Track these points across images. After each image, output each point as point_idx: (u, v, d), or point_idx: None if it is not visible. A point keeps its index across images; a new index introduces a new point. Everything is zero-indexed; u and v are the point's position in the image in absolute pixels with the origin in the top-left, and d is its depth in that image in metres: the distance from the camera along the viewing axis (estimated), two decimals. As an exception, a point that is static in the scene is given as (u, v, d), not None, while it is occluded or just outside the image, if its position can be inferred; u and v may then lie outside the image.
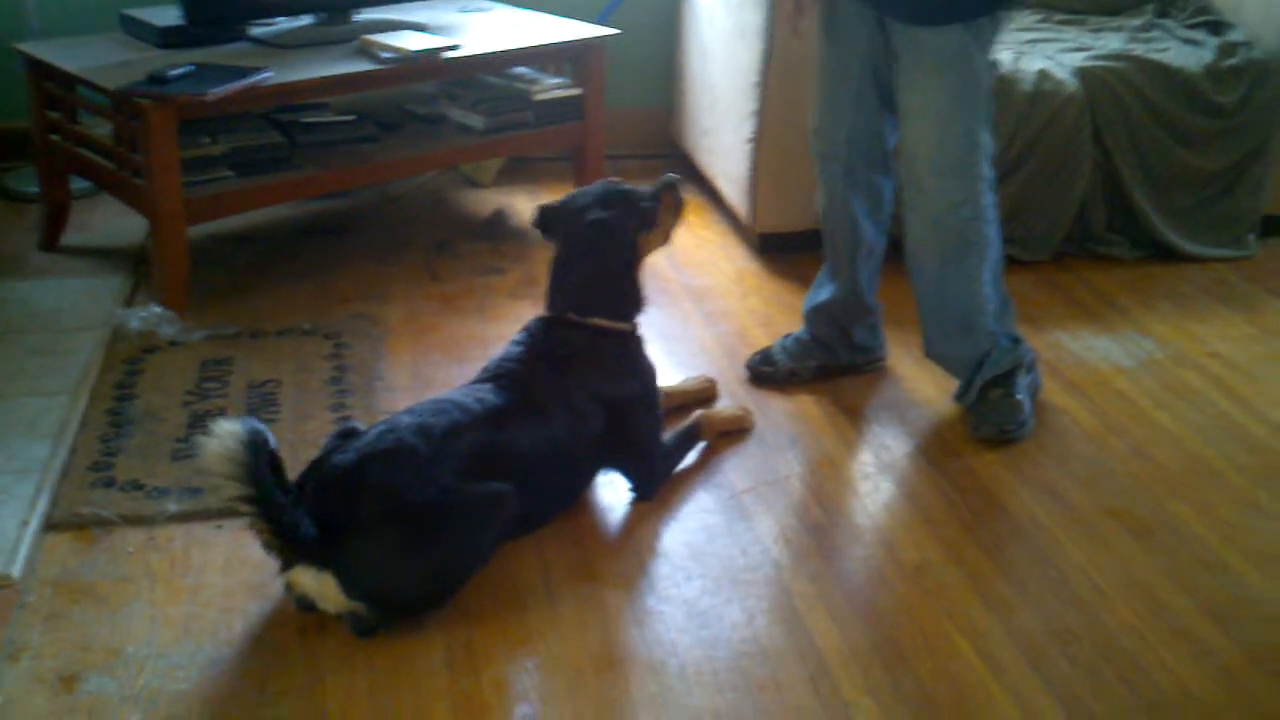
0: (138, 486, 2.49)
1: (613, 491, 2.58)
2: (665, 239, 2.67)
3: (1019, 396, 2.83)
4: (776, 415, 2.89)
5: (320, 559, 2.08)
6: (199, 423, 2.70)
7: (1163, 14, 4.15)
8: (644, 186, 2.64)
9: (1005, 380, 2.83)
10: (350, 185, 3.77)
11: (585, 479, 2.55)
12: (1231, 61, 3.73)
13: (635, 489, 2.56)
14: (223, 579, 2.26)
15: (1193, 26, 4.02)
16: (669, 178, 2.67)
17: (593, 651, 2.14)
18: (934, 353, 2.95)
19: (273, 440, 2.09)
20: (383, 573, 2.12)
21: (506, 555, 2.36)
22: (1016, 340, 2.87)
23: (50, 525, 2.38)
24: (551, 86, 3.74)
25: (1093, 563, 2.41)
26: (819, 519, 2.52)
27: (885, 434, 2.84)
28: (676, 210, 2.66)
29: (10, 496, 2.42)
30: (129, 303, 3.26)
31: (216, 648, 2.10)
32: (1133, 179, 3.72)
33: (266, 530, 2.07)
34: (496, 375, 2.45)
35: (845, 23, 2.74)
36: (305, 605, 2.15)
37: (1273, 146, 3.81)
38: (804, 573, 2.35)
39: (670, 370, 3.06)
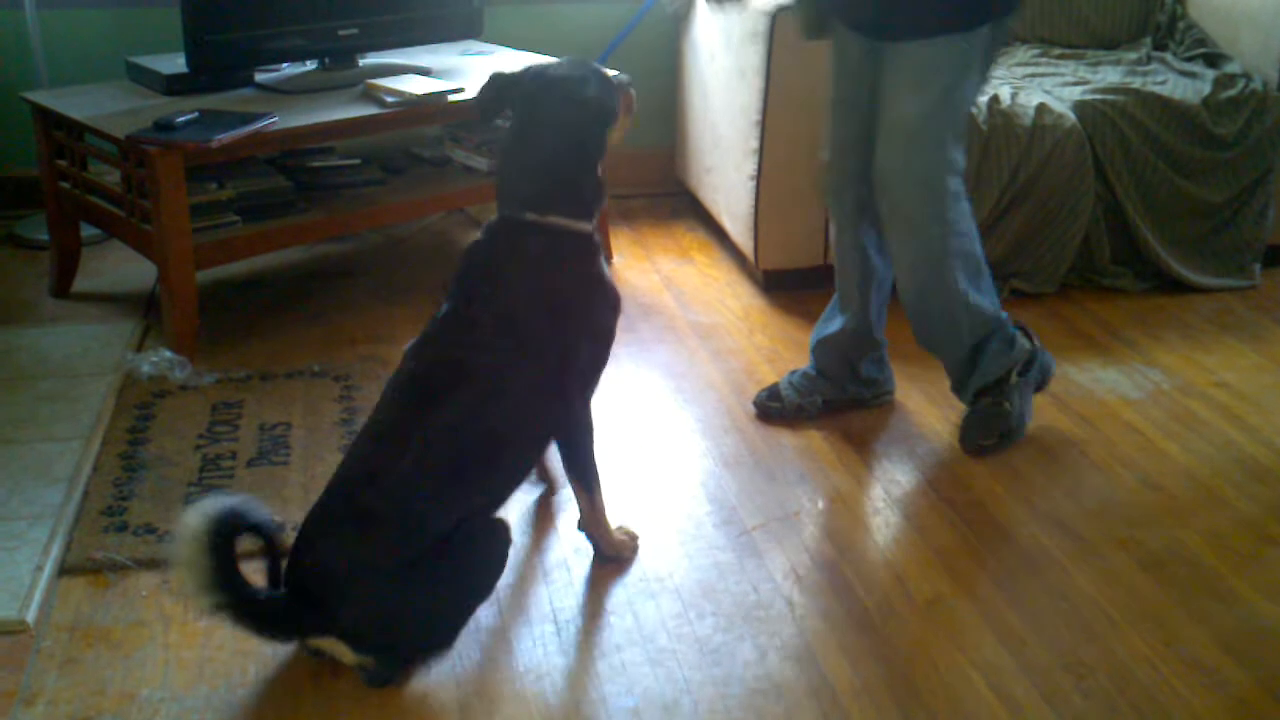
0: (151, 530, 2.50)
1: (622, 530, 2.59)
2: (618, 139, 2.38)
3: (1008, 404, 2.87)
4: (785, 451, 2.90)
5: (319, 629, 2.07)
6: (211, 466, 2.72)
7: (1160, 47, 4.18)
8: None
9: (996, 387, 2.88)
10: (356, 228, 3.80)
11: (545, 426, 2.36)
12: (1229, 93, 3.76)
13: (558, 425, 2.37)
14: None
15: (1190, 59, 4.05)
16: (623, 76, 2.46)
17: (605, 691, 2.14)
18: (923, 345, 2.97)
19: (255, 516, 2.03)
20: (384, 626, 2.09)
21: (516, 595, 2.37)
22: (1011, 342, 2.89)
23: (64, 570, 2.39)
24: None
25: (1104, 594, 2.41)
26: (829, 555, 2.52)
27: (894, 468, 2.85)
28: (629, 110, 2.42)
29: (24, 542, 2.43)
30: (140, 348, 3.28)
31: (230, 691, 2.10)
32: (1135, 211, 3.74)
33: (253, 632, 2.07)
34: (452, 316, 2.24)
35: (853, 56, 2.77)
36: (315, 651, 2.16)
37: (1274, 177, 3.83)
38: (816, 609, 2.36)
39: (679, 407, 3.08)
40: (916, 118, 2.66)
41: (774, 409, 3.04)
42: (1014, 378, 2.89)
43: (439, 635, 2.18)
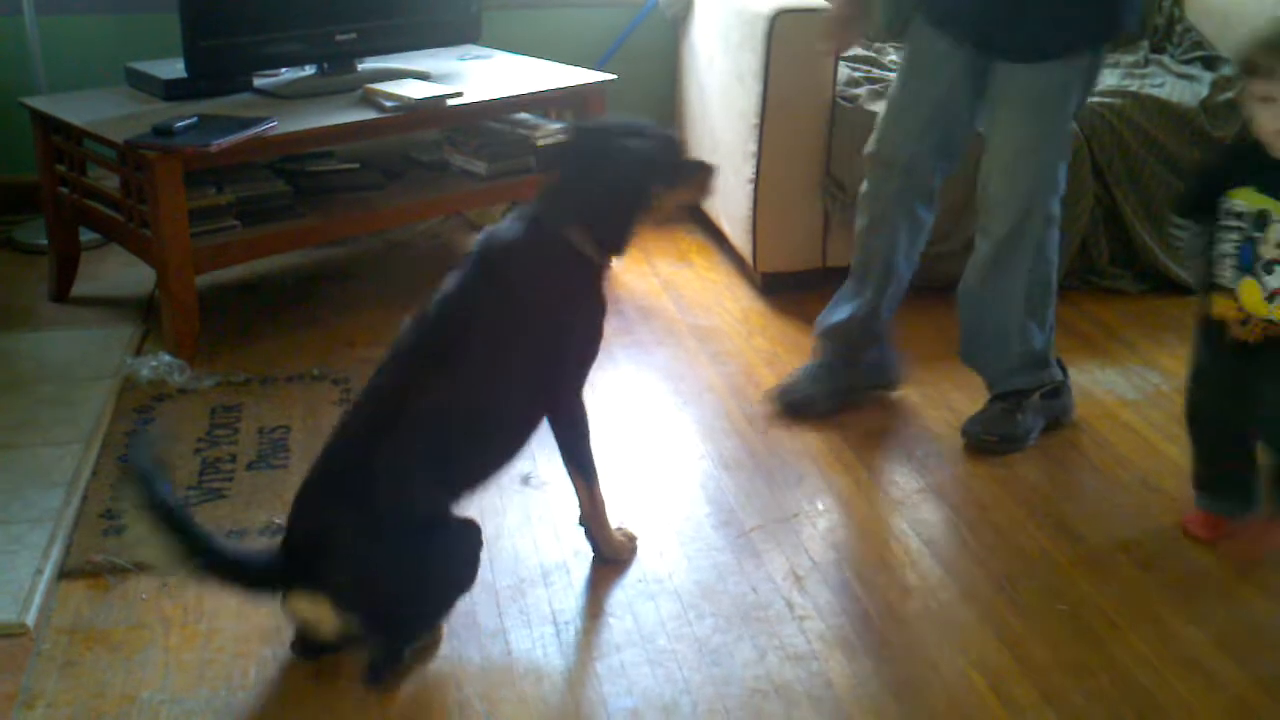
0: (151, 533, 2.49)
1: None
2: (669, 207, 2.45)
3: (1020, 415, 2.90)
4: (784, 453, 2.90)
5: (305, 583, 2.07)
6: (211, 469, 2.72)
7: (1157, 50, 4.19)
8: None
9: (1016, 396, 2.91)
10: (355, 232, 3.80)
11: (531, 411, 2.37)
12: (1227, 96, 3.76)
13: (552, 419, 2.39)
14: (236, 624, 2.26)
15: (1187, 61, 4.06)
16: (709, 164, 2.53)
17: (605, 692, 2.14)
18: (965, 359, 3.03)
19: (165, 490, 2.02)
20: (368, 589, 2.09)
21: (516, 597, 2.37)
22: (1045, 363, 2.93)
23: (64, 573, 2.39)
24: (553, 131, 3.77)
25: (1103, 595, 2.41)
26: (829, 556, 2.53)
27: (894, 470, 2.85)
28: (701, 189, 2.52)
29: (24, 546, 2.43)
30: (139, 352, 3.28)
31: (231, 693, 2.10)
32: (1134, 213, 3.75)
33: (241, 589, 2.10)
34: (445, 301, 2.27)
35: (933, 60, 2.81)
36: (309, 649, 2.16)
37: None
38: (815, 610, 2.36)
39: (678, 409, 3.08)
40: (1028, 139, 2.74)
41: (797, 402, 3.05)
42: (1036, 396, 2.93)
43: (419, 612, 2.18)
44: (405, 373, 2.20)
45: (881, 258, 2.97)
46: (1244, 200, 2.34)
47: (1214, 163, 2.71)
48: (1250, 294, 2.34)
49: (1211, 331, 2.46)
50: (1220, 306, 2.41)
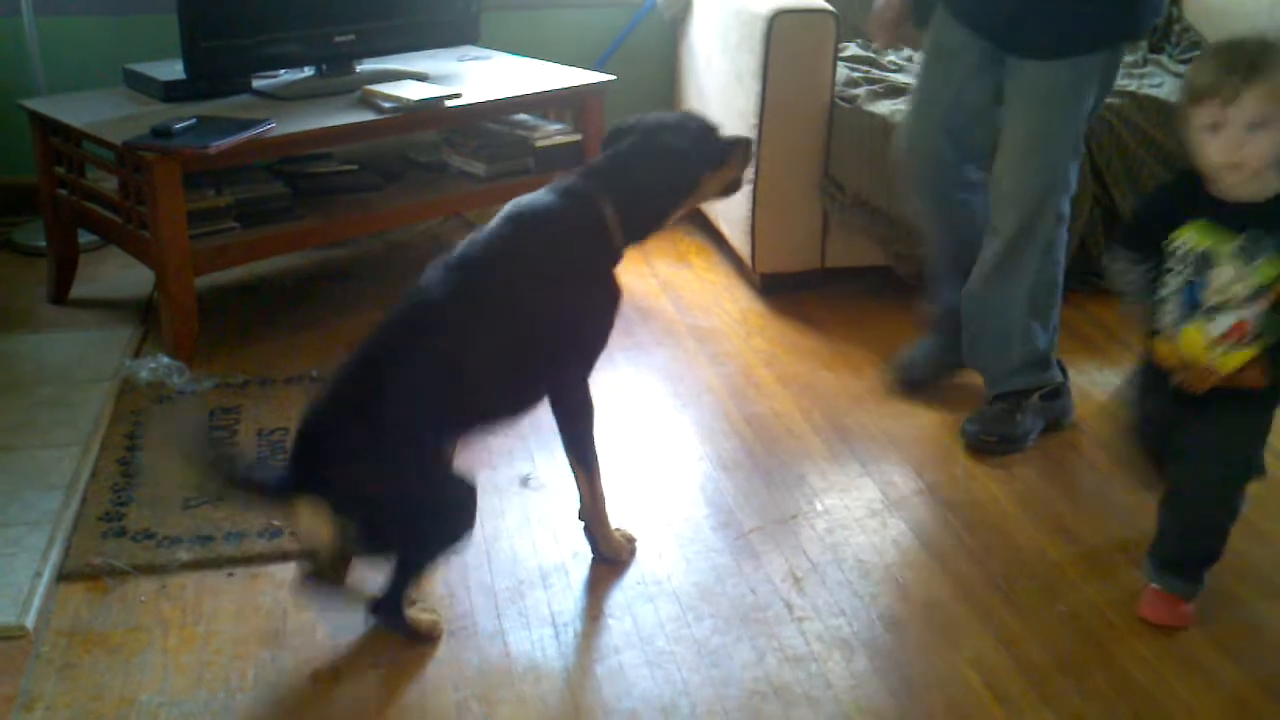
0: (149, 536, 2.50)
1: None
2: (722, 188, 2.54)
3: (1020, 415, 2.91)
4: (783, 454, 2.90)
5: (308, 489, 2.12)
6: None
7: (1156, 49, 4.19)
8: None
9: (1016, 397, 2.92)
10: (354, 233, 3.80)
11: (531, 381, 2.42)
12: (1226, 96, 3.76)
13: (556, 402, 2.43)
14: (234, 626, 2.27)
15: (1186, 61, 4.05)
16: (745, 137, 2.63)
17: (604, 694, 2.14)
18: (967, 359, 3.05)
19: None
20: (368, 502, 2.14)
21: (515, 599, 2.37)
22: (1046, 364, 2.94)
23: (63, 576, 2.39)
24: (552, 133, 3.77)
25: (1101, 596, 2.41)
26: (827, 557, 2.53)
27: (892, 471, 2.85)
28: (744, 163, 2.58)
29: (23, 548, 2.43)
30: (138, 354, 3.28)
31: (229, 695, 2.10)
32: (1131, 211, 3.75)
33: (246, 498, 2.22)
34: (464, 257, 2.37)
35: (951, 50, 2.85)
36: (317, 574, 2.22)
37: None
38: (814, 611, 2.36)
39: (677, 410, 3.08)
40: (1034, 135, 2.76)
41: (915, 380, 3.14)
42: (1035, 397, 2.93)
43: (412, 539, 2.21)
44: (423, 309, 2.30)
45: (950, 244, 3.03)
46: (1188, 239, 2.17)
47: (1158, 196, 2.42)
48: (1192, 341, 2.17)
49: (1155, 376, 2.28)
50: (1162, 351, 2.24)
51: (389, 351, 2.23)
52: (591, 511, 2.49)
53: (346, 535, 2.12)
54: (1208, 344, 2.15)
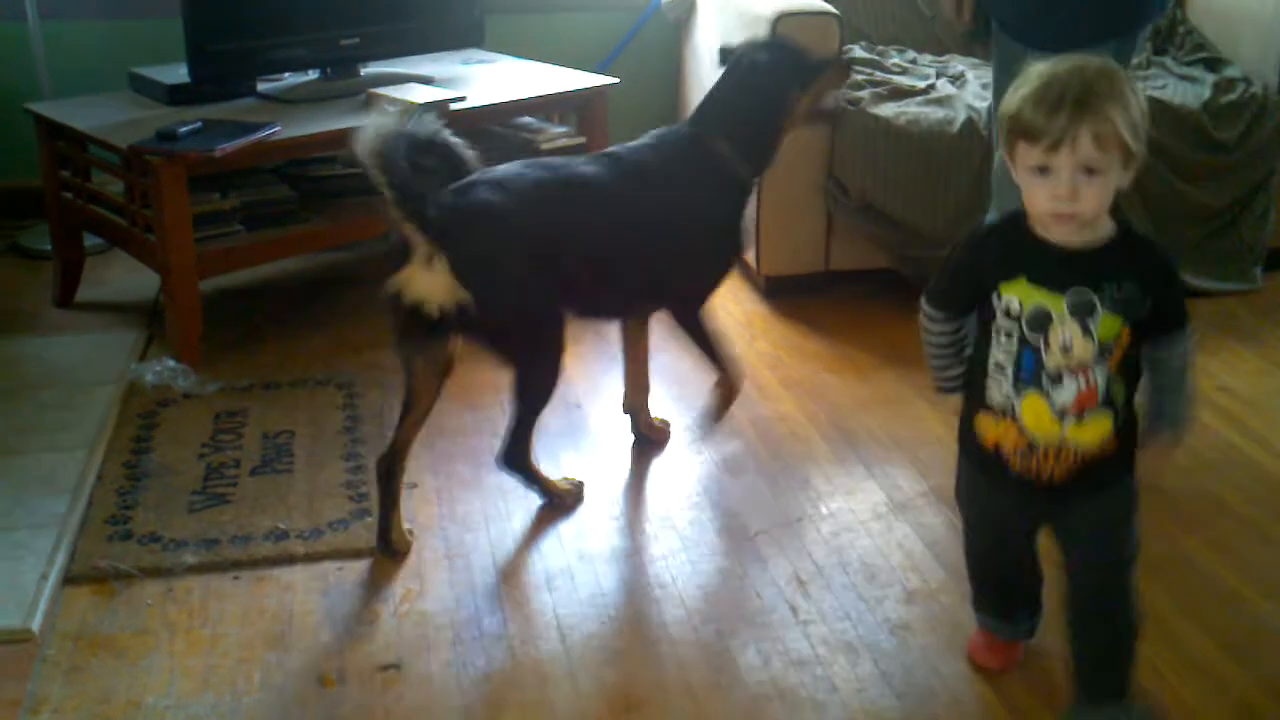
0: (155, 539, 2.50)
1: (625, 537, 2.59)
2: (818, 110, 2.76)
3: None
4: (787, 457, 2.90)
5: (439, 234, 2.26)
6: (215, 474, 2.73)
7: (1159, 51, 4.19)
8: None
9: None
10: (359, 236, 3.79)
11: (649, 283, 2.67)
12: (1230, 98, 3.77)
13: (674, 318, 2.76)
14: (241, 629, 2.27)
15: (1190, 63, 4.06)
16: (839, 58, 2.78)
17: (610, 697, 2.14)
18: None
19: (429, 128, 2.39)
20: (492, 258, 2.31)
21: (520, 602, 2.37)
22: None
23: (69, 579, 2.40)
24: (556, 135, 3.77)
25: (1107, 598, 2.41)
26: (832, 560, 2.53)
27: (897, 473, 2.85)
28: (840, 79, 2.75)
29: (29, 551, 2.43)
30: (143, 357, 3.28)
31: (235, 698, 2.11)
32: (1136, 215, 3.74)
33: (397, 210, 2.26)
34: (613, 154, 2.62)
35: (1012, 59, 2.84)
36: (406, 336, 2.37)
37: (1275, 180, 3.83)
38: (819, 614, 2.36)
39: (682, 414, 3.08)
40: None
41: None
42: None
43: (519, 346, 2.42)
44: (586, 174, 2.52)
45: None
46: (1016, 296, 1.85)
47: (975, 245, 1.98)
48: (1037, 413, 1.87)
49: (989, 464, 1.98)
50: (994, 433, 1.94)
51: (561, 177, 2.48)
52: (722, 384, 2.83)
53: (457, 302, 2.26)
54: (1056, 414, 1.87)
